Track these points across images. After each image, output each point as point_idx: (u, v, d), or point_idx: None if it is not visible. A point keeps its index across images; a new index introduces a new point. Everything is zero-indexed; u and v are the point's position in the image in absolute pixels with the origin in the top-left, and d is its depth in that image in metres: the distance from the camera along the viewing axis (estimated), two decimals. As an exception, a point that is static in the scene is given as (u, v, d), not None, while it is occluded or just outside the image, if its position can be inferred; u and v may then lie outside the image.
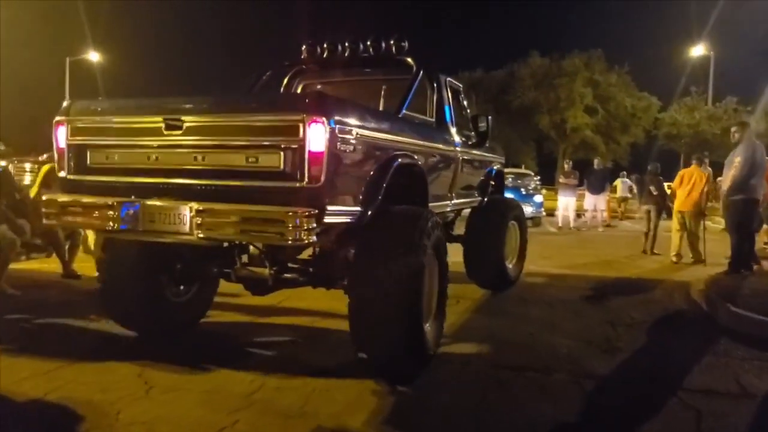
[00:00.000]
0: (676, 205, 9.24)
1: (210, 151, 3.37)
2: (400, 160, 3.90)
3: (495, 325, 5.17)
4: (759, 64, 33.23)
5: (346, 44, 5.22)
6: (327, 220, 3.21)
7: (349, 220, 3.52)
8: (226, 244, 3.97)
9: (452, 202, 5.50)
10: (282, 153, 3.16)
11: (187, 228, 3.24)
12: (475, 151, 6.00)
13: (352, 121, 3.37)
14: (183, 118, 3.33)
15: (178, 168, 3.44)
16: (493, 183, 6.83)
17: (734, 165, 6.75)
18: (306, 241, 3.10)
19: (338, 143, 3.20)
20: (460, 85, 6.22)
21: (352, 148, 3.37)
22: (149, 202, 3.36)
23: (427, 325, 3.83)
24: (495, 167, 6.91)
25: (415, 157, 4.20)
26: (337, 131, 3.17)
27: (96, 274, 5.73)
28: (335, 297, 5.62)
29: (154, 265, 4.25)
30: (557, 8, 63.32)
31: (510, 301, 6.18)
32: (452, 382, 3.77)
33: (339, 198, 3.35)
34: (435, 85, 5.28)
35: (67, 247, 6.13)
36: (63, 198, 3.64)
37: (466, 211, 6.70)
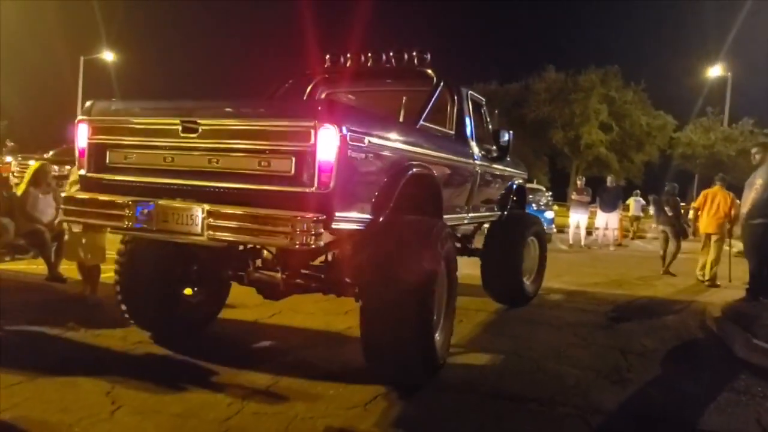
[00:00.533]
0: (702, 226, 9.15)
1: (224, 155, 3.41)
2: (413, 170, 3.91)
3: (500, 347, 4.88)
4: (778, 87, 32.81)
5: (369, 55, 5.27)
6: (335, 225, 3.27)
7: (358, 227, 3.57)
8: (241, 248, 4.01)
9: (470, 215, 5.52)
10: (293, 158, 3.21)
11: (198, 229, 3.28)
12: (495, 165, 6.02)
13: (363, 129, 3.41)
14: (199, 120, 3.40)
15: (193, 170, 3.50)
16: (514, 198, 6.81)
17: (755, 187, 6.41)
18: (313, 246, 3.10)
19: (349, 150, 3.23)
20: (483, 99, 6.22)
21: (363, 155, 3.40)
22: (163, 202, 3.40)
23: (437, 334, 3.83)
24: (517, 182, 6.89)
25: (430, 167, 4.21)
26: (348, 138, 3.21)
27: (80, 278, 5.53)
28: (330, 312, 5.53)
29: (170, 265, 4.34)
30: (574, 23, 63.06)
31: (517, 322, 5.88)
32: (449, 413, 3.49)
33: (348, 205, 3.39)
34: (456, 97, 5.30)
35: (53, 248, 5.89)
36: (81, 195, 3.71)
37: (487, 225, 6.72)
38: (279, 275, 4.06)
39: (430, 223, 3.92)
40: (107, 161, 3.78)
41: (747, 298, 6.56)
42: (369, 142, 3.43)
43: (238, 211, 3.20)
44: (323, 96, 5.76)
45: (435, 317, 3.74)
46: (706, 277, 9.04)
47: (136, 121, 3.69)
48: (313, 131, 3.13)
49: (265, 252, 4.25)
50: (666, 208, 9.99)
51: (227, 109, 3.49)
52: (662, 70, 48.50)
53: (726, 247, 9.26)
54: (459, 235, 6.43)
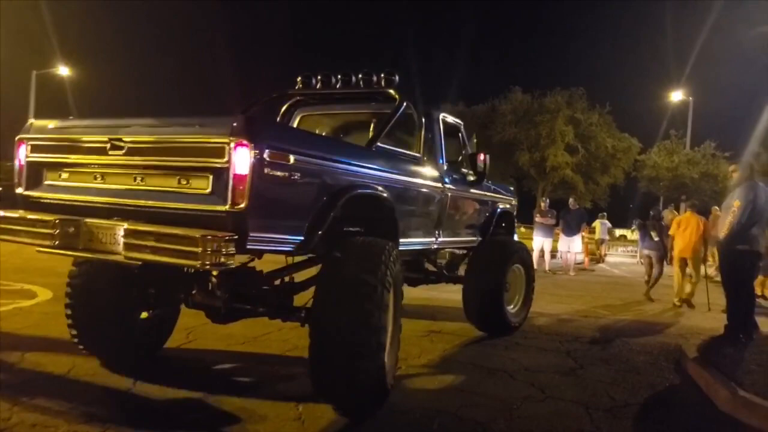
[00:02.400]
0: (676, 252, 9.32)
1: (148, 172, 3.39)
2: (357, 191, 3.85)
3: (442, 403, 3.98)
4: (737, 110, 33.41)
5: (339, 77, 5.20)
6: (252, 246, 3.18)
7: (285, 248, 3.52)
8: (190, 270, 3.78)
9: (440, 239, 5.46)
10: (210, 176, 3.15)
11: (120, 248, 3.19)
12: (473, 190, 6.01)
13: (287, 147, 3.33)
14: (124, 138, 3.37)
15: (121, 188, 3.47)
16: (500, 224, 6.79)
17: (732, 210, 5.71)
18: (226, 266, 2.98)
19: (266, 168, 3.14)
20: (461, 123, 6.16)
21: (287, 174, 3.32)
22: (89, 221, 3.36)
23: (386, 359, 3.64)
24: (501, 207, 6.82)
25: (383, 189, 4.16)
26: (266, 156, 3.12)
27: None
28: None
29: (124, 288, 4.22)
30: (541, 45, 63.74)
31: (466, 368, 4.99)
32: None
33: (268, 225, 3.28)
34: (424, 120, 5.29)
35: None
36: (11, 213, 3.62)
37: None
38: (219, 299, 3.96)
39: (379, 244, 3.77)
40: (44, 180, 3.80)
41: (726, 336, 5.82)
42: (296, 160, 3.34)
43: (152, 229, 3.11)
44: (298, 118, 5.76)
45: (385, 341, 3.56)
46: (683, 295, 9.26)
47: (69, 139, 3.68)
48: (227, 148, 3.05)
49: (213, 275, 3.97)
50: (652, 233, 9.96)
51: (149, 126, 3.48)
52: (627, 93, 49.07)
53: (702, 272, 9.26)
54: (437, 260, 6.44)
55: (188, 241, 2.94)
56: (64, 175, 3.73)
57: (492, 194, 6.66)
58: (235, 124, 3.10)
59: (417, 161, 5.16)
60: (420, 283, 6.62)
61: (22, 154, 3.81)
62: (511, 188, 7.81)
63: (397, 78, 5.03)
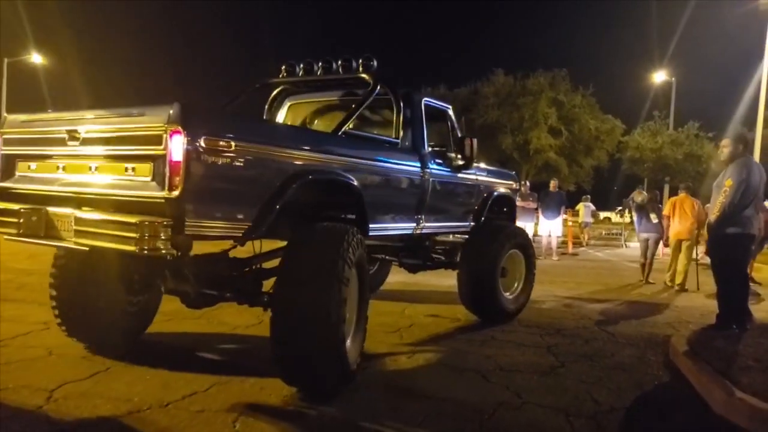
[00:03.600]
0: (673, 233, 9.44)
1: (100, 162, 3.47)
2: (311, 176, 3.85)
3: (405, 413, 3.49)
4: (720, 90, 33.31)
5: (320, 64, 5.31)
6: (191, 232, 3.19)
7: (232, 234, 3.54)
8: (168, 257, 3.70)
9: (424, 224, 5.43)
10: (152, 164, 3.19)
11: (71, 235, 3.33)
12: (461, 174, 5.93)
13: (229, 134, 3.32)
14: (79, 129, 3.49)
15: (78, 178, 3.58)
16: (497, 208, 6.78)
17: (723, 190, 5.25)
18: (162, 251, 3.05)
19: (205, 155, 3.17)
20: (448, 107, 6.13)
21: (228, 161, 3.32)
22: (49, 210, 3.49)
23: (348, 341, 3.79)
24: (499, 191, 6.76)
25: (345, 174, 4.18)
26: (202, 143, 3.14)
27: None
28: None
29: (106, 275, 4.28)
30: (523, 27, 63.09)
31: (439, 369, 4.51)
32: None
33: (208, 210, 3.29)
34: (402, 104, 5.24)
35: None
36: None
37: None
38: (189, 285, 4.01)
39: (339, 229, 3.82)
40: (16, 172, 3.93)
41: (717, 326, 5.39)
42: (237, 147, 3.34)
43: (95, 216, 3.28)
44: (287, 106, 5.93)
45: (344, 324, 3.63)
46: (677, 282, 9.33)
47: (36, 132, 3.85)
48: (164, 135, 3.09)
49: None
50: (652, 215, 9.95)
51: (100, 117, 3.54)
52: (609, 74, 48.65)
53: (694, 255, 9.42)
54: (435, 245, 6.50)
55: (126, 227, 3.05)
56: (33, 166, 3.87)
57: (485, 178, 6.53)
58: (171, 112, 3.09)
59: (393, 146, 5.15)
60: (419, 269, 6.54)
61: None
62: (512, 173, 7.67)
63: (375, 63, 5.06)
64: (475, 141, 5.71)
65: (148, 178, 3.19)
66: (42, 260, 8.93)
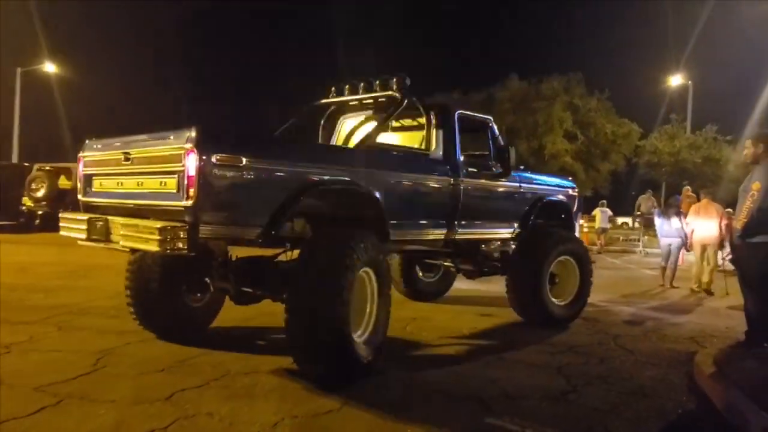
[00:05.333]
0: (697, 238, 9.57)
1: (144, 177, 4.13)
2: (323, 186, 4.30)
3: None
4: (738, 93, 32.58)
5: (361, 84, 5.78)
6: (204, 234, 3.74)
7: (246, 237, 3.99)
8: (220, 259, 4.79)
9: (457, 230, 5.69)
10: (176, 178, 3.78)
11: (120, 239, 4.02)
12: (500, 182, 6.19)
13: (241, 151, 3.85)
14: (130, 151, 4.20)
15: (130, 191, 4.29)
16: (550, 215, 6.92)
17: (751, 194, 4.77)
18: (182, 250, 3.64)
19: (216, 170, 3.71)
20: (489, 118, 6.39)
21: (240, 174, 3.83)
22: (109, 218, 4.20)
23: (361, 336, 4.30)
24: (550, 198, 6.87)
25: (361, 183, 4.56)
26: (214, 160, 3.69)
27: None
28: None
29: (171, 274, 4.98)
30: (537, 30, 62.45)
31: (431, 398, 4.09)
32: None
33: (220, 217, 3.83)
34: (432, 117, 5.64)
35: None
36: (64, 214, 4.68)
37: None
38: (229, 284, 4.70)
39: (347, 235, 4.23)
40: (92, 188, 4.68)
41: (747, 344, 4.90)
42: (248, 162, 3.85)
43: (131, 222, 3.92)
44: (342, 124, 6.49)
45: (350, 319, 4.01)
46: (703, 287, 9.53)
47: (102, 154, 4.56)
48: (183, 154, 3.67)
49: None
50: (674, 219, 9.99)
51: (144, 140, 4.15)
52: (625, 77, 47.75)
53: (719, 259, 9.58)
54: (483, 250, 6.64)
55: (153, 231, 3.62)
56: (103, 183, 4.61)
57: (532, 185, 6.69)
58: (188, 135, 3.69)
59: (421, 156, 5.55)
60: (475, 275, 6.86)
61: (80, 168, 4.78)
62: (569, 179, 7.81)
63: (408, 81, 5.40)
64: (512, 149, 6.06)
65: (175, 190, 3.77)
66: (32, 274, 8.72)
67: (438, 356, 5.16)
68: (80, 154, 4.78)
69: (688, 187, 12.44)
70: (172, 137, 3.85)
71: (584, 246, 7.06)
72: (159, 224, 3.62)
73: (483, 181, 5.99)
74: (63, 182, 16.99)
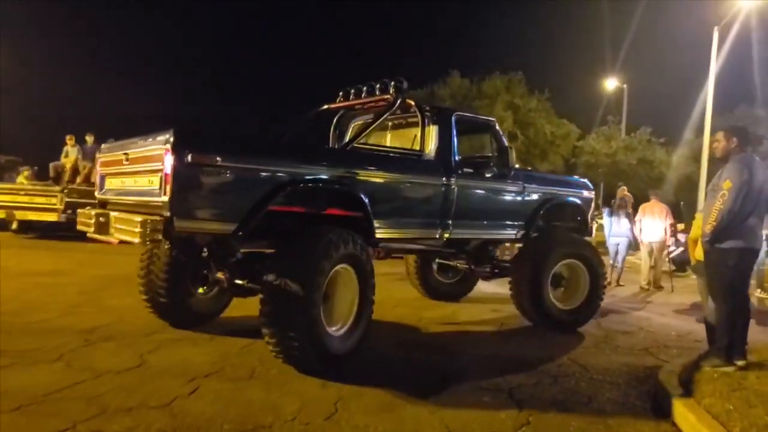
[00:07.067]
0: (644, 238, 10.06)
1: (138, 176, 4.41)
2: (302, 184, 4.44)
3: None
4: (671, 96, 33.65)
5: (364, 88, 5.93)
6: (181, 228, 3.96)
7: (221, 232, 4.18)
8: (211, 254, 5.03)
9: (452, 230, 5.67)
10: (158, 176, 3.99)
11: (114, 231, 4.38)
12: (500, 183, 6.15)
13: (216, 151, 4.05)
14: (129, 151, 4.53)
15: (129, 188, 4.63)
16: (561, 217, 6.89)
17: (721, 194, 4.26)
18: (157, 240, 4.05)
19: (191, 168, 3.92)
20: (491, 119, 6.45)
21: (215, 172, 4.03)
22: (110, 214, 4.50)
23: (339, 330, 4.54)
24: (558, 200, 6.73)
25: (346, 183, 4.72)
26: (189, 159, 3.88)
27: None
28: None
29: (180, 267, 5.34)
30: (479, 29, 62.86)
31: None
32: None
33: (195, 212, 4.02)
34: (426, 119, 5.70)
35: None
36: (82, 210, 5.06)
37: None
38: (225, 277, 4.91)
39: (322, 232, 4.41)
40: (105, 186, 5.13)
41: (714, 359, 4.37)
42: (223, 161, 4.04)
43: (121, 216, 4.31)
44: (352, 127, 6.68)
45: (321, 315, 4.23)
46: (652, 282, 10.11)
47: (109, 155, 5.01)
48: (162, 154, 3.90)
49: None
50: (624, 220, 10.11)
51: (137, 142, 4.46)
52: (564, 78, 48.55)
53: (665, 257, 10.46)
54: (491, 252, 6.91)
55: (134, 223, 3.98)
56: (112, 181, 4.97)
57: (537, 186, 6.57)
58: (166, 137, 3.90)
59: (412, 157, 5.65)
60: (489, 277, 6.97)
61: (98, 167, 5.26)
62: (583, 180, 7.55)
63: (405, 84, 5.54)
64: (512, 150, 6.10)
65: (158, 188, 3.96)
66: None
67: (376, 378, 4.41)
68: (97, 155, 5.31)
69: (624, 188, 12.40)
70: (156, 138, 4.07)
71: (594, 250, 6.78)
72: (140, 218, 3.92)
73: (480, 182, 5.95)
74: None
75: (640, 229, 10.08)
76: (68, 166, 14.11)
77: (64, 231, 13.49)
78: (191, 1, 57.22)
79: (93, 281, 8.02)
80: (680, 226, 11.67)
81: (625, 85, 33.34)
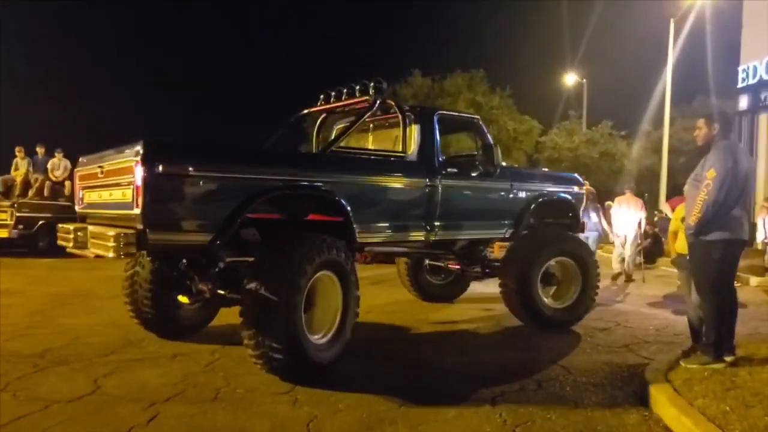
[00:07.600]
0: (620, 230, 10.23)
1: (112, 189, 4.32)
2: (277, 191, 4.34)
3: None
4: (630, 90, 34.29)
5: (344, 90, 5.81)
6: (155, 241, 3.89)
7: (197, 242, 4.10)
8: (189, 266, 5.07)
9: (438, 231, 5.58)
10: (131, 189, 3.91)
11: (90, 245, 4.31)
12: (487, 181, 6.02)
13: (187, 161, 3.99)
14: (103, 164, 4.42)
15: (104, 201, 4.53)
16: (552, 214, 6.82)
17: (705, 183, 4.11)
18: (132, 253, 4.02)
19: (162, 180, 3.86)
20: (475, 118, 6.43)
21: (188, 182, 3.97)
22: (88, 228, 4.44)
23: (323, 338, 4.46)
24: (549, 197, 6.65)
25: (327, 187, 4.63)
26: (160, 170, 3.83)
27: None
28: None
29: (164, 277, 5.18)
30: (439, 27, 63.06)
31: None
32: None
33: (169, 223, 3.96)
34: (407, 120, 5.55)
35: None
36: (61, 225, 4.94)
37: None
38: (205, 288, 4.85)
39: (304, 238, 4.35)
40: (83, 200, 5.02)
41: (704, 357, 4.22)
42: (195, 171, 3.98)
43: (96, 230, 4.24)
44: (335, 129, 6.60)
45: (301, 324, 4.10)
46: (624, 273, 10.29)
47: (87, 169, 4.86)
48: (133, 166, 3.84)
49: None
50: (593, 214, 9.87)
51: (110, 155, 4.35)
52: (525, 75, 48.94)
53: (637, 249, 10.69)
54: (482, 252, 6.79)
55: (107, 237, 3.93)
56: (90, 195, 4.91)
57: (526, 184, 6.49)
58: (136, 149, 3.86)
59: (394, 159, 5.56)
60: (480, 277, 6.83)
61: (76, 182, 5.19)
62: (574, 175, 7.47)
63: (384, 85, 5.47)
64: (498, 148, 5.94)
65: (130, 200, 3.89)
66: None
67: (355, 392, 4.13)
68: (75, 170, 5.17)
69: (586, 182, 12.53)
70: (126, 151, 4.01)
71: (586, 247, 6.73)
72: (113, 231, 3.89)
73: (465, 181, 5.85)
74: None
75: (610, 223, 10.39)
76: (19, 179, 13.40)
77: (16, 247, 12.80)
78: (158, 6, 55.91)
79: (46, 300, 7.51)
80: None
81: (584, 80, 33.87)
